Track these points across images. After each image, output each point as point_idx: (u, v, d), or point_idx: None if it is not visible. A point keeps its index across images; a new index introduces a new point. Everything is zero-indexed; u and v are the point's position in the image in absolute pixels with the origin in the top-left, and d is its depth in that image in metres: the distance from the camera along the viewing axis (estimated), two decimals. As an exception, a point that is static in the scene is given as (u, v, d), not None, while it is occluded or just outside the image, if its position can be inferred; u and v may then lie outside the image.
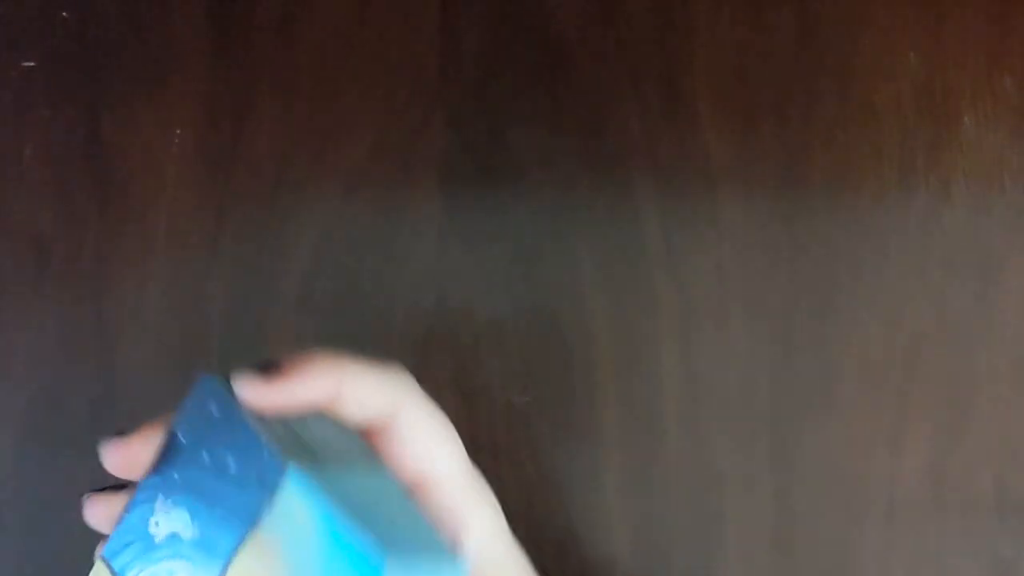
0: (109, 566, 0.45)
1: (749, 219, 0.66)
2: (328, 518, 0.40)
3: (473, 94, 0.68)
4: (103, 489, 0.47)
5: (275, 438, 0.42)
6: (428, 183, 0.67)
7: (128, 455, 0.45)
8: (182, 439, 0.45)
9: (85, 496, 0.47)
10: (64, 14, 0.68)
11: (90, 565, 0.61)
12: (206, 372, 0.46)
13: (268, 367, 0.43)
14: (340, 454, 0.45)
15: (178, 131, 0.68)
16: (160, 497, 0.44)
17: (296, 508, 0.41)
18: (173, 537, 0.43)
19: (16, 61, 0.68)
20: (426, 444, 0.47)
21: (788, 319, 0.66)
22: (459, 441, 0.48)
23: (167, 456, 0.45)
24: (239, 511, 0.42)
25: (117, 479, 0.53)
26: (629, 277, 0.66)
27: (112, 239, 0.67)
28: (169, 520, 0.44)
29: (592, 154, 0.67)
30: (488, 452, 0.66)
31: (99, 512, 0.47)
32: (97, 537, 0.65)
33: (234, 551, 0.42)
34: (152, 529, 0.44)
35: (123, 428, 0.45)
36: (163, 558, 0.44)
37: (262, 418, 0.43)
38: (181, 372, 0.67)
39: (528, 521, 0.66)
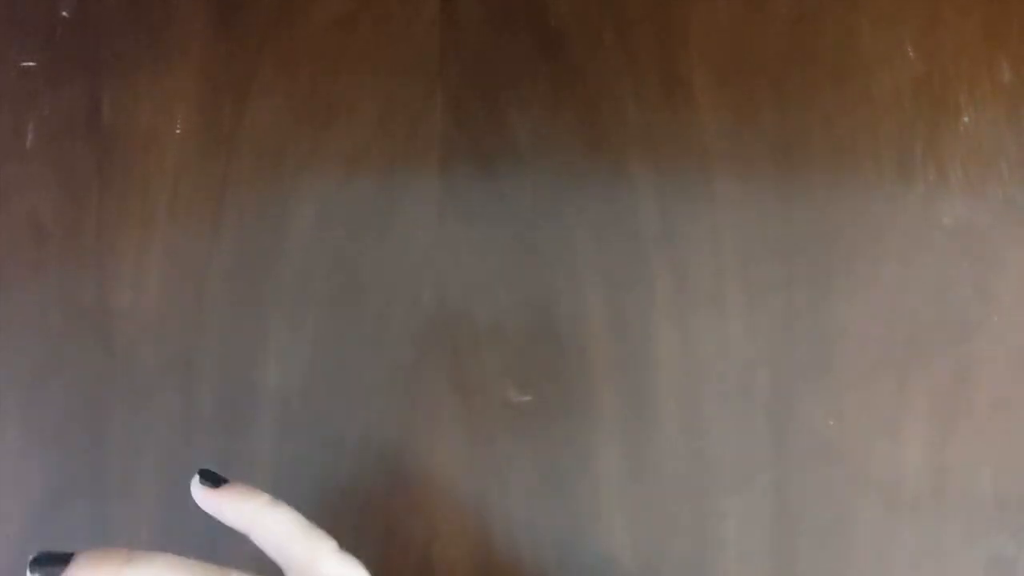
0: None
1: (747, 206, 0.66)
2: None
3: (472, 78, 0.68)
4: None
5: None
6: (427, 166, 0.67)
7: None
8: None
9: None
10: (64, 14, 0.69)
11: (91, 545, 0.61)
12: None
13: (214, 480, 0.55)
14: None
15: (179, 115, 0.68)
16: None
17: None
18: None
19: (16, 61, 0.68)
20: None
21: (786, 309, 0.66)
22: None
23: None
24: None
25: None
26: (627, 263, 0.66)
27: (113, 220, 0.68)
28: None
29: (590, 138, 0.67)
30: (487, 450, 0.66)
31: None
32: (96, 523, 0.66)
33: None
34: None
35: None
36: None
37: None
38: (181, 352, 0.67)
39: (528, 520, 0.66)
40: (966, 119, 0.66)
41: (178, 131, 0.68)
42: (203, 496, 0.56)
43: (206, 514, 0.66)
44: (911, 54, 0.66)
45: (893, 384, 0.65)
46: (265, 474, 0.67)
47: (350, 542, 0.66)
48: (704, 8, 0.67)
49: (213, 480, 0.57)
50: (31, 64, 0.68)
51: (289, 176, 0.68)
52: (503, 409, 0.66)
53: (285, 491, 0.67)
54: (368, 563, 0.66)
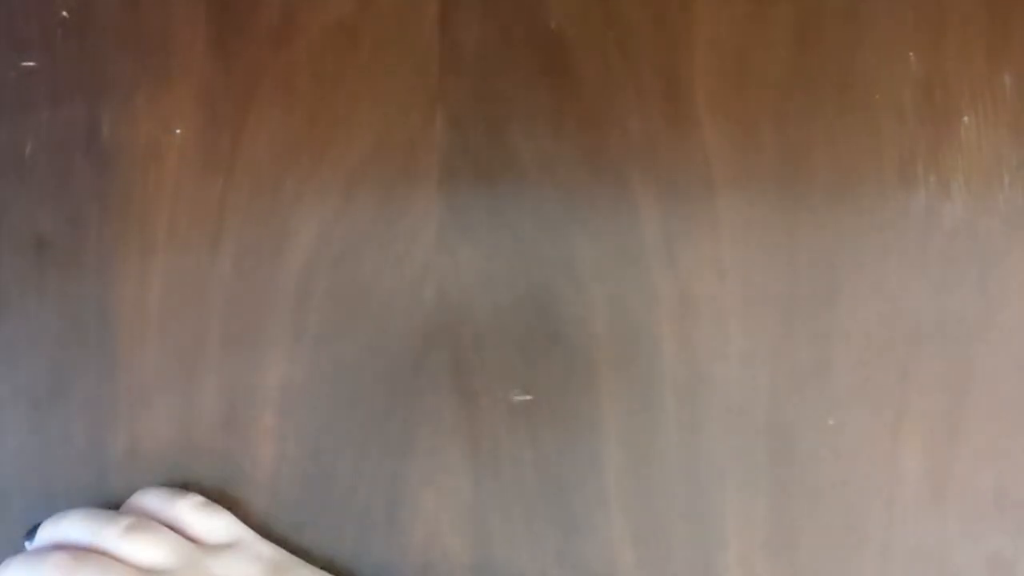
0: None
1: (749, 219, 0.67)
2: None
3: (473, 94, 0.68)
4: None
5: None
6: (428, 183, 0.67)
7: None
8: None
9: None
10: (64, 14, 0.68)
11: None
12: None
13: None
14: None
15: (178, 129, 0.68)
16: None
17: None
18: None
19: (16, 61, 0.68)
20: None
21: (788, 318, 0.66)
22: None
23: None
24: None
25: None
26: (629, 276, 0.66)
27: (113, 235, 0.67)
28: None
29: (592, 154, 0.67)
30: (489, 452, 0.67)
31: None
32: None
33: None
34: None
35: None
36: None
37: None
38: (183, 368, 0.67)
39: (528, 521, 0.66)
40: (967, 126, 0.66)
41: (178, 144, 0.67)
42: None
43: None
44: (913, 64, 0.67)
45: (894, 386, 0.66)
46: (265, 474, 0.67)
47: (351, 543, 0.67)
48: (707, 23, 0.67)
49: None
50: (31, 64, 0.68)
51: (289, 194, 0.67)
52: (504, 409, 0.66)
53: (285, 491, 0.67)
54: (368, 564, 0.66)
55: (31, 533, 0.63)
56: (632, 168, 0.67)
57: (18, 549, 0.63)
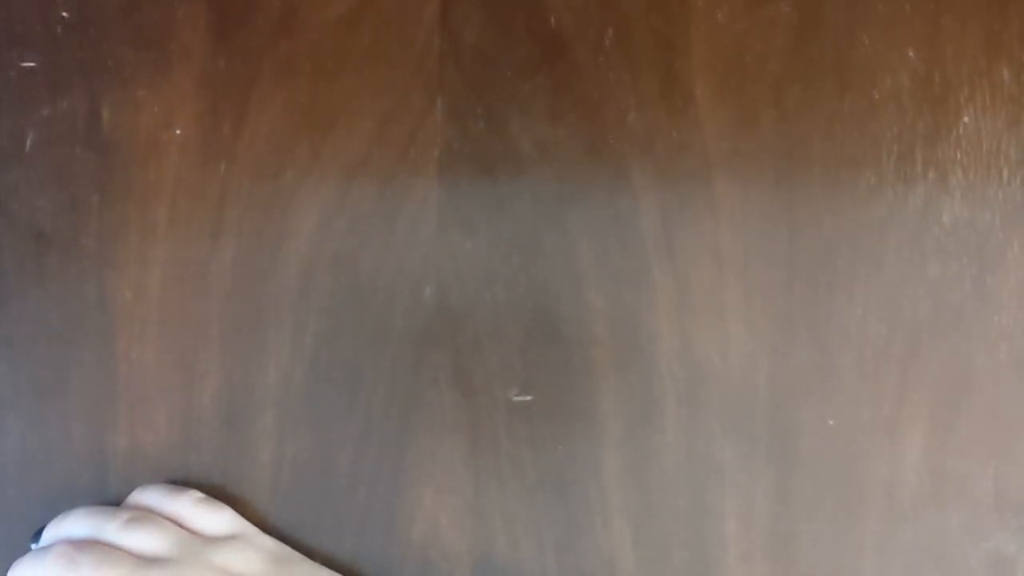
0: None
1: (748, 211, 0.66)
2: None
3: (472, 85, 0.68)
4: None
5: None
6: (427, 174, 0.67)
7: None
8: None
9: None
10: (64, 14, 0.68)
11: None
12: None
13: None
14: None
15: (178, 123, 0.68)
16: None
17: None
18: None
19: (16, 61, 0.68)
20: None
21: (786, 309, 0.66)
22: None
23: None
24: None
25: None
26: (628, 268, 0.66)
27: (113, 228, 0.67)
28: None
29: (591, 145, 0.67)
30: (489, 451, 0.66)
31: None
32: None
33: None
34: None
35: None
36: None
37: None
38: (183, 365, 0.67)
39: (528, 520, 0.66)
40: (966, 119, 0.66)
41: (178, 136, 0.68)
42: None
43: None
44: (911, 59, 0.67)
45: (893, 384, 0.66)
46: (265, 474, 0.67)
47: (351, 542, 0.67)
48: (705, 15, 0.67)
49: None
50: (31, 65, 0.68)
51: (289, 183, 0.67)
52: (503, 409, 0.66)
53: (285, 491, 0.67)
54: (368, 563, 0.66)
55: (37, 535, 0.63)
56: (631, 160, 0.67)
57: (20, 549, 0.64)
